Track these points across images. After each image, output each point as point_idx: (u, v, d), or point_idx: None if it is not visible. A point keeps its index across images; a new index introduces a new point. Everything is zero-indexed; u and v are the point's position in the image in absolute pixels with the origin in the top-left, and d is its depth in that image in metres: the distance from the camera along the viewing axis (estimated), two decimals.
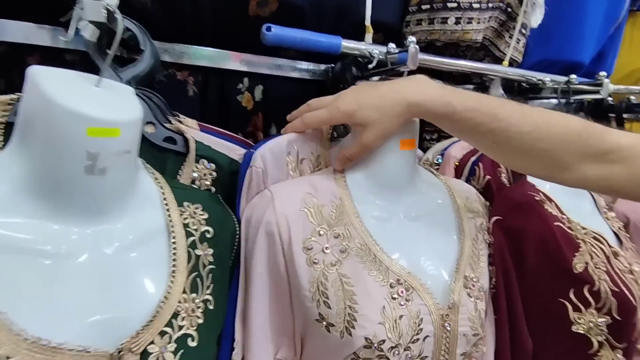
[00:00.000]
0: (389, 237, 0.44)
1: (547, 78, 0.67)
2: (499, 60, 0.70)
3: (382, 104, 0.40)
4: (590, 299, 0.53)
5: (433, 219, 0.50)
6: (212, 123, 0.66)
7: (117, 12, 0.38)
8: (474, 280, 0.47)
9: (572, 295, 0.53)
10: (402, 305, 0.39)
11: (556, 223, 0.57)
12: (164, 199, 0.43)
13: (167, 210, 0.42)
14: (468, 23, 0.60)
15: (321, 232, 0.41)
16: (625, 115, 0.81)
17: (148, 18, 0.56)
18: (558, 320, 0.53)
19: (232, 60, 0.64)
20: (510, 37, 0.68)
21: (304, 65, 0.68)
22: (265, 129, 0.70)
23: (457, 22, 0.60)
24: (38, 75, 0.34)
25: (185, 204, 0.44)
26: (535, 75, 0.68)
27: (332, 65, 0.69)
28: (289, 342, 0.42)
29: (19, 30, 0.50)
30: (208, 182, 0.52)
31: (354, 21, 0.62)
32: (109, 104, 0.36)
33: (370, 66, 0.54)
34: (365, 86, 0.45)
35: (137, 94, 0.48)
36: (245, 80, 0.68)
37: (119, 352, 0.31)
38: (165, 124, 0.50)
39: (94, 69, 0.43)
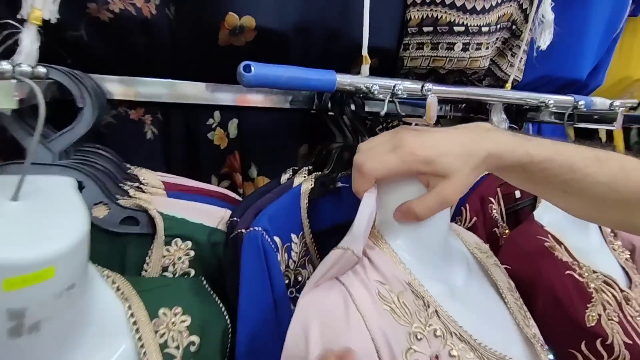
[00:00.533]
0: (464, 317, 0.34)
1: (551, 101, 0.62)
2: (499, 80, 0.64)
3: (463, 153, 0.33)
4: (603, 352, 0.50)
5: (473, 279, 0.42)
6: (179, 169, 0.55)
7: (34, 86, 0.26)
8: (537, 337, 0.41)
9: (583, 347, 0.51)
10: None
11: (567, 272, 0.53)
12: (131, 315, 0.33)
13: (137, 331, 0.32)
14: (477, 49, 0.52)
15: (419, 335, 0.29)
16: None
17: (88, 52, 0.43)
18: None
19: (197, 91, 0.52)
20: (513, 56, 0.62)
21: (289, 93, 0.58)
22: (244, 170, 0.60)
23: (464, 49, 0.52)
24: None
25: (161, 311, 0.35)
26: (539, 98, 0.62)
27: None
28: None
29: None
30: (185, 265, 0.42)
31: (346, 47, 0.52)
32: (33, 231, 0.25)
33: (382, 112, 0.45)
34: (432, 130, 0.35)
35: (76, 166, 0.36)
36: (216, 114, 0.56)
37: None
38: (121, 200, 0.39)
39: None
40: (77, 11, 0.38)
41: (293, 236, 0.46)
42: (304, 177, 0.51)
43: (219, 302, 0.40)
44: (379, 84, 0.47)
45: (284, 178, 0.52)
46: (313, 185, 0.49)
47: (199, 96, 0.52)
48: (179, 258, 0.41)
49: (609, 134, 0.79)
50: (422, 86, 0.44)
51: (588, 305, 0.51)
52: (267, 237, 0.39)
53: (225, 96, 0.55)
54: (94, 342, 0.30)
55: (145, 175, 0.46)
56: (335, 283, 0.31)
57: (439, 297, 0.34)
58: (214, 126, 0.57)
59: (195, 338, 0.36)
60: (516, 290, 0.47)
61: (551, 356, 0.41)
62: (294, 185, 0.49)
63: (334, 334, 0.28)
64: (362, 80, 0.47)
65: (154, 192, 0.43)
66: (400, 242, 0.37)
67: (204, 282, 0.41)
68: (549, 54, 0.64)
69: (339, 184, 0.55)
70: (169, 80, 0.49)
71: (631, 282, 0.58)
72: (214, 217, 0.46)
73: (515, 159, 0.34)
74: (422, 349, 0.29)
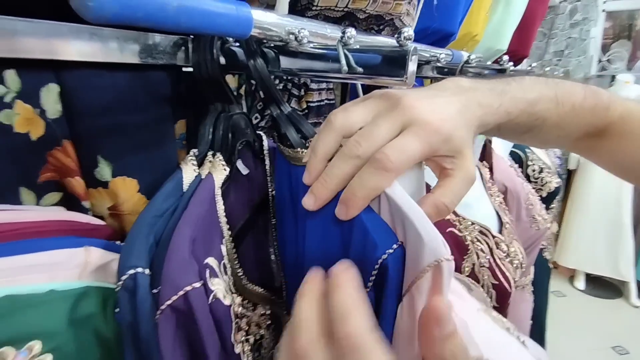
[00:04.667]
0: None
1: (441, 55, 0.60)
2: (397, 30, 0.58)
3: (465, 124, 0.27)
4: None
5: None
6: None
7: None
8: None
9: None
10: None
11: (449, 229, 0.55)
12: None
13: None
14: None
15: None
16: None
17: None
18: None
19: None
20: (409, 3, 0.56)
21: (139, 38, 0.36)
22: (85, 170, 0.36)
23: None
24: None
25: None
26: (431, 51, 0.60)
27: (192, 35, 0.39)
28: None
29: None
30: None
31: None
32: None
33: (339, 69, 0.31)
34: (427, 94, 0.28)
35: None
36: (10, 75, 0.30)
37: None
38: None
39: None
40: None
41: (222, 248, 0.32)
42: (210, 162, 0.35)
43: None
44: (318, 31, 0.33)
45: (190, 170, 0.34)
46: (229, 172, 0.35)
47: None
48: None
49: None
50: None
51: (464, 257, 0.56)
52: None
53: (29, 43, 0.29)
54: None
55: None
56: None
57: None
58: (8, 99, 0.30)
59: None
60: None
61: None
62: (203, 177, 0.33)
63: None
64: (293, 22, 0.32)
65: None
66: None
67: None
68: (432, 5, 0.62)
69: (245, 169, 0.41)
70: None
71: (502, 225, 0.65)
72: (67, 268, 0.25)
73: (495, 121, 0.32)
74: None
